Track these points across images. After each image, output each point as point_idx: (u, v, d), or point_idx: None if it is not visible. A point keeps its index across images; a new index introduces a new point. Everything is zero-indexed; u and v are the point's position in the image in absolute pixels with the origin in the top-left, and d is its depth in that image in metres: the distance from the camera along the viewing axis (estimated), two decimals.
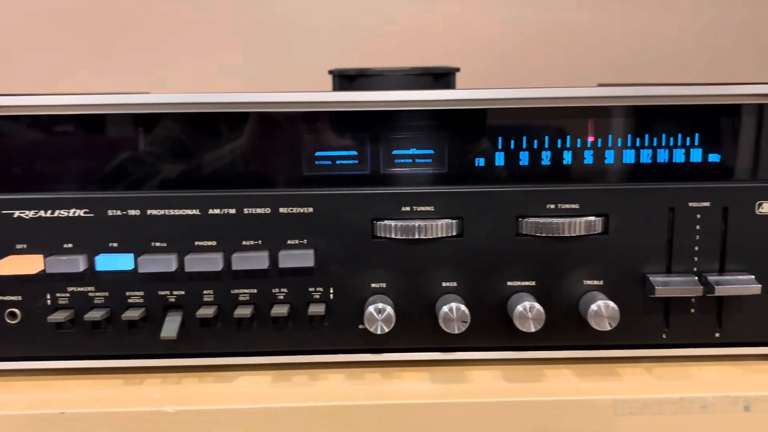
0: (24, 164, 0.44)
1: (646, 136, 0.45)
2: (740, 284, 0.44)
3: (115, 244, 0.44)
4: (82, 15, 0.81)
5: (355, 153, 0.45)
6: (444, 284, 0.45)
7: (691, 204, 0.44)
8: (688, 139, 0.45)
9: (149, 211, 0.44)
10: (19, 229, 0.44)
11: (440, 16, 0.83)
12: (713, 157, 0.45)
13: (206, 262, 0.44)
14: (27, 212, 0.44)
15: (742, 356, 0.47)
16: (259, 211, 0.44)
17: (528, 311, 0.43)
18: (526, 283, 0.45)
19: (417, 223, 0.44)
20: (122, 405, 0.42)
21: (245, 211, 0.44)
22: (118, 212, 0.44)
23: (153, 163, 0.45)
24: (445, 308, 0.43)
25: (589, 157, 0.45)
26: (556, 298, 0.45)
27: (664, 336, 0.46)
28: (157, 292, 0.45)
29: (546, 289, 0.45)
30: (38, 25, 0.81)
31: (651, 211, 0.44)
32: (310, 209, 0.44)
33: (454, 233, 0.44)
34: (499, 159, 0.45)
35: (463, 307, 0.43)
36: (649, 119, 0.45)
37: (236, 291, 0.45)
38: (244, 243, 0.44)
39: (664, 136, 0.45)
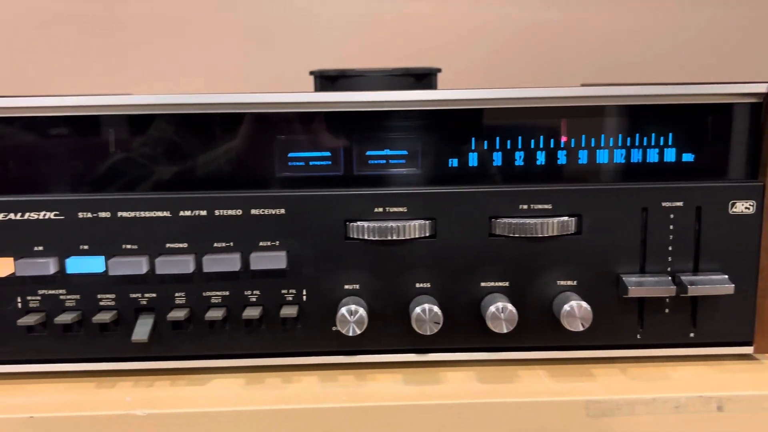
0: None
1: (620, 136, 0.45)
2: (714, 284, 0.44)
3: (85, 247, 0.44)
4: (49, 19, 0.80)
5: (328, 154, 0.45)
6: (417, 285, 0.45)
7: (664, 204, 0.44)
8: (661, 138, 0.45)
9: (120, 213, 0.44)
10: None
11: (424, 16, 0.82)
12: (687, 157, 0.45)
13: (177, 264, 0.44)
14: None
15: (716, 356, 0.47)
16: (230, 212, 0.44)
17: (500, 312, 0.43)
18: (500, 283, 0.45)
19: (390, 224, 0.44)
20: (93, 409, 0.42)
21: (216, 212, 0.44)
22: (89, 214, 0.44)
23: (124, 165, 0.44)
24: (418, 309, 0.43)
25: (562, 158, 0.45)
26: (529, 299, 0.45)
27: (638, 336, 0.46)
28: (128, 294, 0.44)
29: (520, 290, 0.45)
30: None
31: (624, 211, 0.44)
32: (282, 210, 0.44)
33: (428, 234, 0.44)
34: (473, 159, 0.45)
35: (435, 309, 0.43)
36: (623, 119, 0.45)
37: (208, 293, 0.45)
38: (215, 245, 0.44)
39: (637, 135, 0.45)
